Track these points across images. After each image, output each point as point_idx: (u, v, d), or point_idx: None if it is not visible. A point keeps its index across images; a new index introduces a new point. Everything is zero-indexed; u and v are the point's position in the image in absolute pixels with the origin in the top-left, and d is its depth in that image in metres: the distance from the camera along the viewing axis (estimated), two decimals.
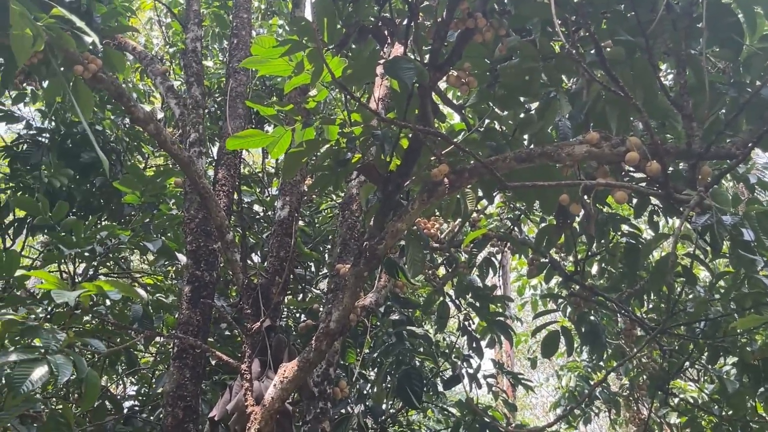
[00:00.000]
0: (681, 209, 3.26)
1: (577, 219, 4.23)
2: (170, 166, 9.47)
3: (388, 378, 6.94)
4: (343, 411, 6.46)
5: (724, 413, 7.19)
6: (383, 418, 7.34)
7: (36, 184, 7.19)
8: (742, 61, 3.79)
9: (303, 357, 4.11)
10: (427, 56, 3.94)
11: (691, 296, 6.77)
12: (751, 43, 3.73)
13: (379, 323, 6.97)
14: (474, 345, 6.94)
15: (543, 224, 6.61)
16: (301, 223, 7.90)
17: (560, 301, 6.98)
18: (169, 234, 6.77)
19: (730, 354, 6.50)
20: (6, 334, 4.01)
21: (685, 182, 3.39)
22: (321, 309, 6.32)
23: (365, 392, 7.23)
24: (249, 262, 5.80)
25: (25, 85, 6.18)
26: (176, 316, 6.30)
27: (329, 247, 8.25)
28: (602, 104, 3.75)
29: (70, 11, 3.67)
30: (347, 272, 4.12)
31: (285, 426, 4.45)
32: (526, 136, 4.19)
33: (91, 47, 3.97)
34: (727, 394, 6.50)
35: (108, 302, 6.16)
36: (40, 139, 7.85)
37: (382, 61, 3.77)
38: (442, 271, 7.35)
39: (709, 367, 7.15)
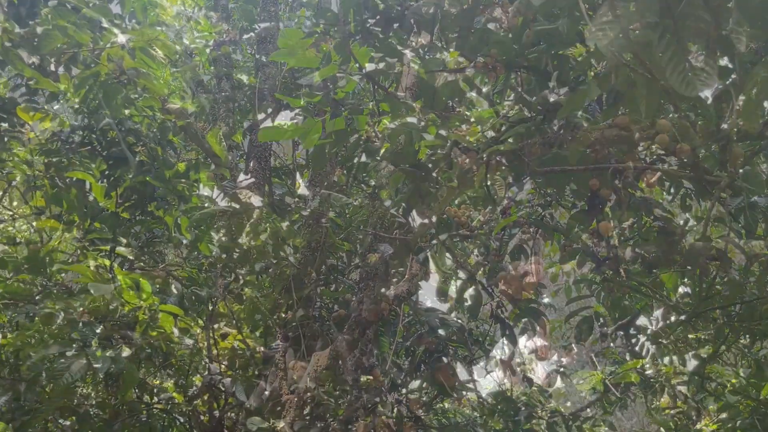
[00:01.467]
0: (712, 191, 3.23)
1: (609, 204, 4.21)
2: (202, 159, 9.54)
3: (422, 366, 6.96)
4: (376, 399, 6.49)
5: (761, 397, 7.11)
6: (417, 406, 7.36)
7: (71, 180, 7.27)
8: None
9: (336, 346, 4.14)
10: (454, 44, 3.93)
11: (725, 279, 6.70)
12: None
13: (411, 312, 6.98)
14: (507, 332, 6.93)
15: (574, 210, 6.58)
16: (331, 213, 7.93)
17: (594, 286, 6.93)
18: (202, 227, 6.81)
19: (766, 337, 6.43)
20: (46, 328, 4.10)
21: (717, 164, 3.37)
22: (353, 299, 6.34)
23: (398, 380, 7.24)
24: (281, 253, 5.82)
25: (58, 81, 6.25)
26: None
27: (360, 237, 8.27)
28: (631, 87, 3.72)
29: (101, 10, 3.73)
30: (378, 262, 4.14)
31: (319, 414, 4.48)
32: (555, 121, 4.17)
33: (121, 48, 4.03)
34: (764, 378, 6.43)
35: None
36: (73, 136, 7.94)
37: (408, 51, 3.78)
38: (473, 258, 7.33)
39: (746, 350, 7.08)
